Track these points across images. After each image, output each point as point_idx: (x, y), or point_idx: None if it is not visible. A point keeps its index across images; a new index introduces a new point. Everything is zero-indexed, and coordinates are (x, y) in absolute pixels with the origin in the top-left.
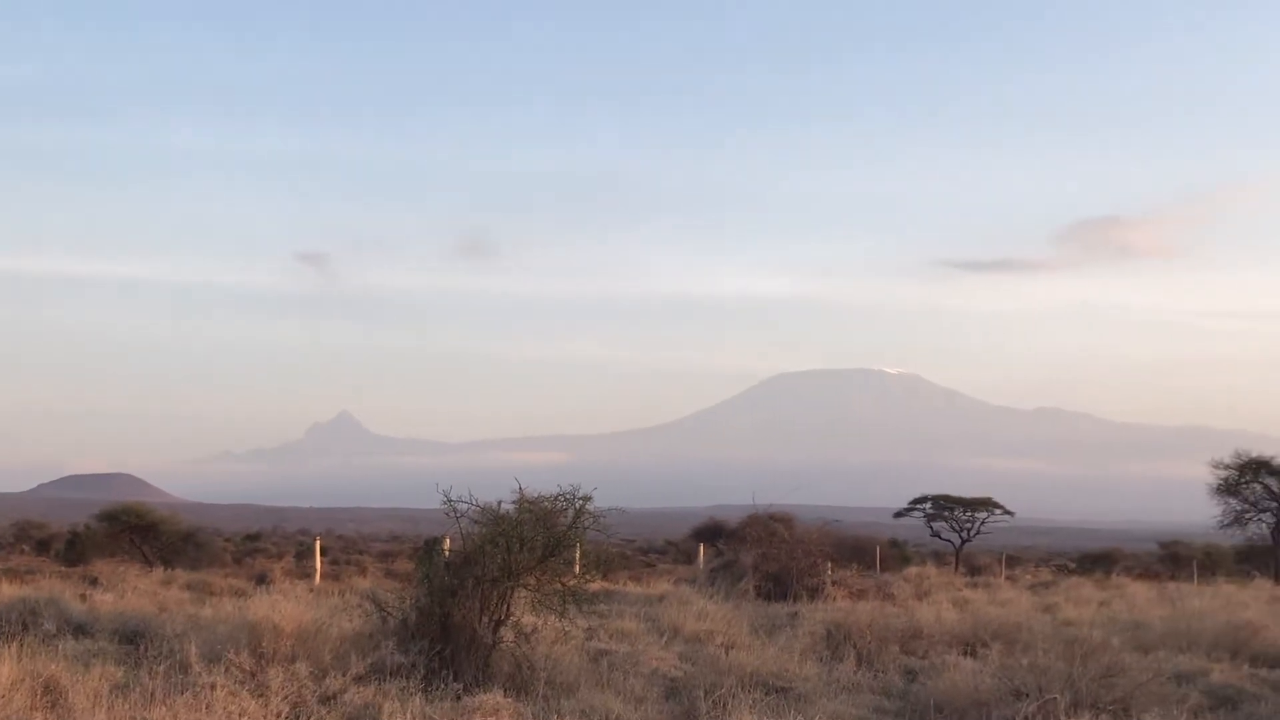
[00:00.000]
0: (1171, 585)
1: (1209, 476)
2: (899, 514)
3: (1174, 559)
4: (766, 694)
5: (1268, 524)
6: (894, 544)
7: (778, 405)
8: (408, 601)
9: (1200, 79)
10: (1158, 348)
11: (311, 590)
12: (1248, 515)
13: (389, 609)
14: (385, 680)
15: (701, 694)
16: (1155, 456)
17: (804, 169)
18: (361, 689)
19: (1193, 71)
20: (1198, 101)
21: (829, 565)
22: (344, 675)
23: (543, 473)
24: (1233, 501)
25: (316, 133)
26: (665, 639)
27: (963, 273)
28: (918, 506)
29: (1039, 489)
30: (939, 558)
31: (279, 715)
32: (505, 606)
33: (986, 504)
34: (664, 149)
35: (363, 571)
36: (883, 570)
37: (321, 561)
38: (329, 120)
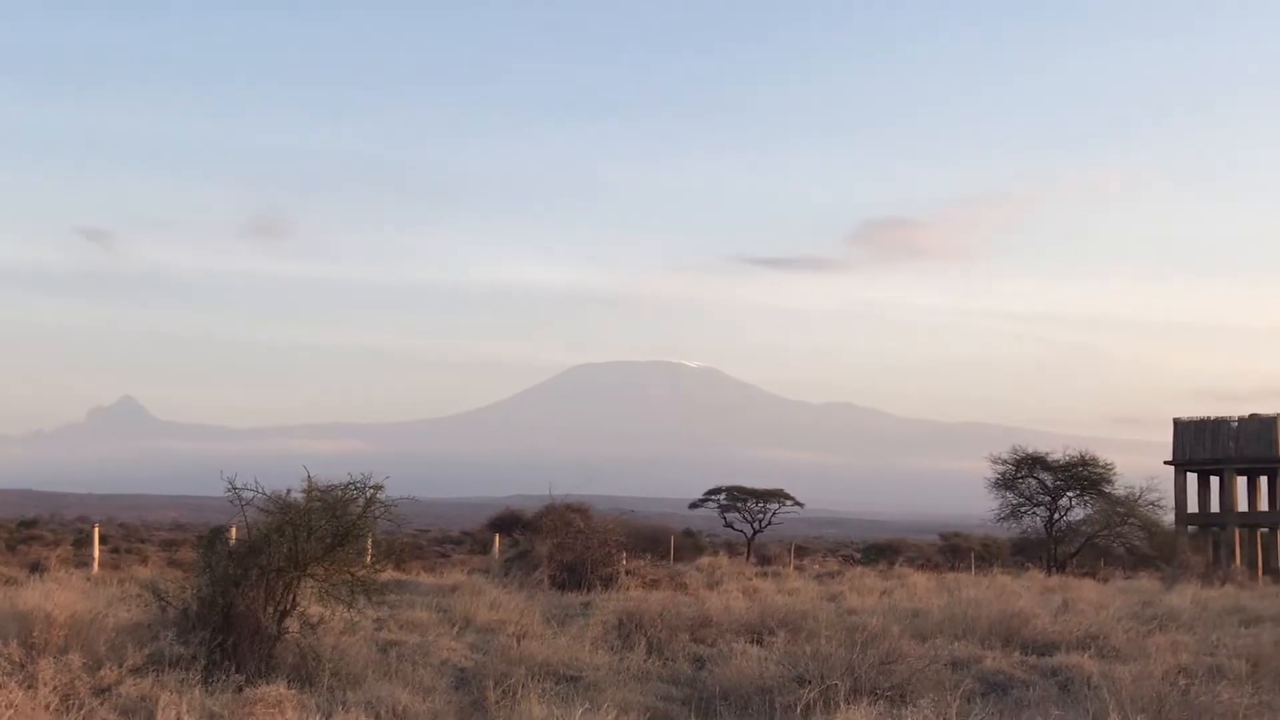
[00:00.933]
0: (950, 575)
1: (988, 471)
2: (694, 504)
3: (954, 550)
4: (556, 683)
5: (1041, 517)
6: (688, 534)
7: (578, 396)
8: (189, 591)
9: (994, 81)
10: (944, 347)
11: (89, 579)
12: (1023, 509)
13: (169, 599)
14: (164, 672)
15: (491, 684)
16: (939, 452)
17: (606, 162)
18: (138, 681)
19: (985, 74)
20: (991, 106)
21: (624, 555)
22: (120, 666)
23: (337, 462)
24: (1009, 495)
25: (99, 104)
26: (457, 629)
27: (761, 269)
28: (712, 497)
29: (829, 482)
30: (731, 548)
31: (49, 707)
32: (291, 597)
33: (778, 495)
34: (467, 136)
35: (144, 561)
36: (677, 560)
37: (100, 550)
38: (112, 91)
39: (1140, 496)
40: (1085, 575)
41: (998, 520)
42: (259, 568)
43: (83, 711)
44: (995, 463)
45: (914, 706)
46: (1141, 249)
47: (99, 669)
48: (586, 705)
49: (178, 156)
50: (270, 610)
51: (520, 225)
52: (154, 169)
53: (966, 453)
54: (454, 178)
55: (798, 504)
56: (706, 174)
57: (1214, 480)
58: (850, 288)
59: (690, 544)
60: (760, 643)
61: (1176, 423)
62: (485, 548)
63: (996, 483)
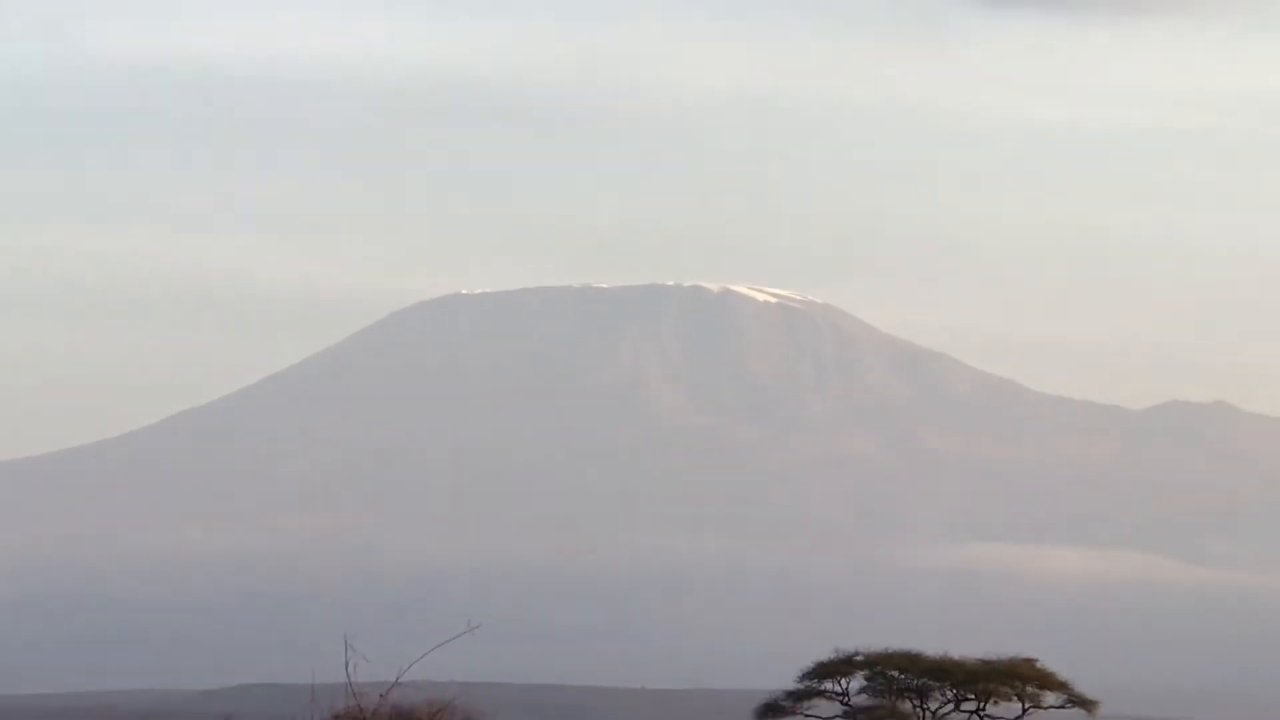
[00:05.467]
0: None
1: None
2: (771, 709)
3: None
4: None
5: None
6: None
7: (411, 377)
8: None
9: None
10: None
11: None
12: None
13: None
14: None
15: None
16: None
17: None
18: None
19: None
20: None
21: None
22: None
23: None
24: None
25: None
26: None
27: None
28: (824, 685)
29: (1152, 618)
30: None
31: None
32: None
33: (1021, 679)
34: None
35: None
36: None
37: None
38: None
39: None
40: None
41: None
42: None
43: None
44: None
45: None
46: None
47: None
48: None
49: None
50: None
51: None
52: None
53: None
54: None
55: (1080, 704)
56: None
57: None
58: (1215, 57)
59: None
60: None
61: None
62: None
63: None
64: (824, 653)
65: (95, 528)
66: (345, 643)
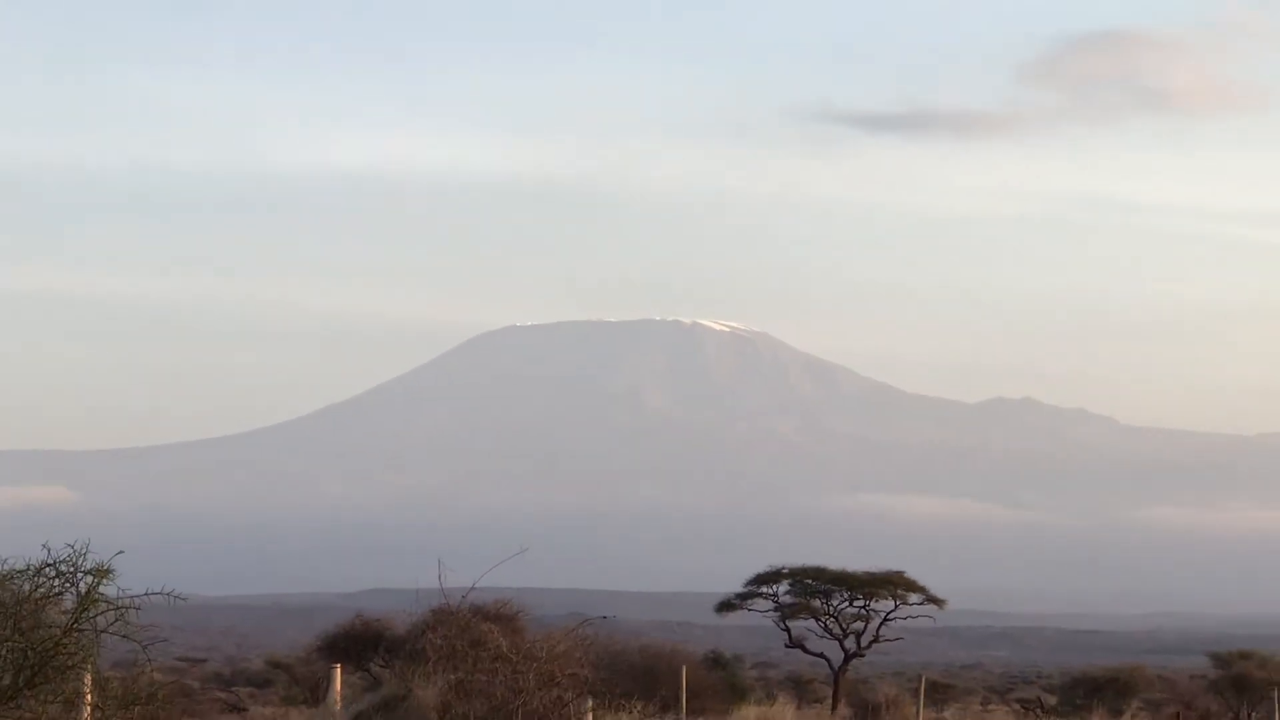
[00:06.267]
0: None
1: None
2: (727, 604)
3: (1238, 685)
4: None
5: None
6: (716, 662)
7: (494, 390)
8: None
9: None
10: (1218, 280)
11: None
12: None
13: None
14: None
15: None
16: (1196, 487)
17: None
18: None
19: None
20: None
21: (588, 704)
22: None
23: (20, 520)
24: None
25: None
26: None
27: (849, 133)
28: (762, 590)
29: (991, 550)
30: (802, 686)
31: None
32: None
33: (893, 583)
34: None
35: None
36: (694, 711)
37: None
38: None
39: None
40: None
41: None
42: None
43: None
44: None
45: None
46: None
47: None
48: None
49: None
50: None
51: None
52: None
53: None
54: None
55: (933, 600)
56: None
57: None
58: (1020, 166)
59: (720, 681)
60: None
61: None
62: (315, 691)
63: None
64: (760, 568)
65: (277, 483)
66: (439, 562)
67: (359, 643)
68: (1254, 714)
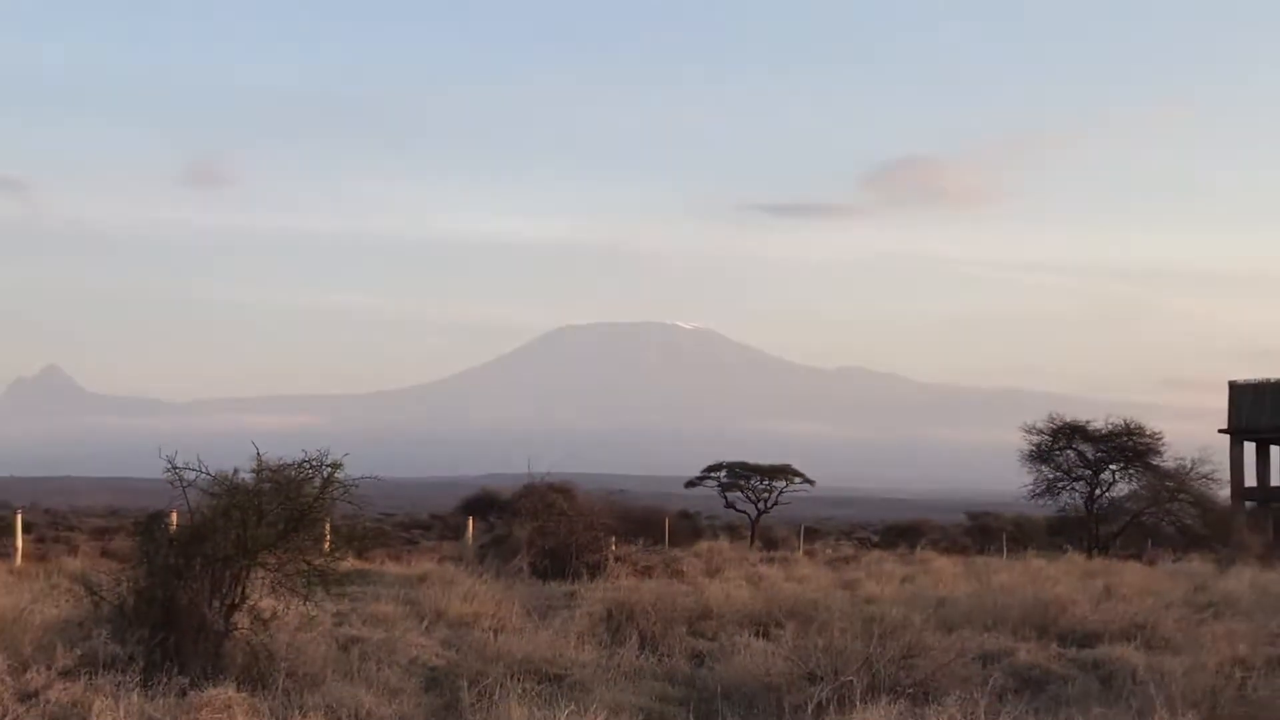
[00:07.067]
0: (979, 559)
1: (1021, 443)
2: (691, 483)
3: (983, 531)
4: (539, 682)
5: (1081, 493)
6: (685, 516)
7: (559, 362)
8: (125, 584)
9: (1019, 16)
10: (969, 303)
11: (11, 572)
12: (1060, 484)
13: (102, 593)
14: (97, 674)
15: (465, 684)
16: (965, 421)
17: (585, 103)
18: (69, 684)
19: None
20: (1019, 40)
21: (612, 540)
22: (48, 669)
23: (289, 438)
24: (1045, 469)
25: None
26: (426, 623)
27: (763, 216)
28: (711, 475)
29: (844, 456)
30: (734, 531)
31: None
32: (240, 589)
33: (785, 472)
34: (436, 70)
35: (74, 550)
36: (672, 545)
37: (24, 539)
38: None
39: (1192, 469)
40: (1130, 558)
41: (1032, 497)
42: (203, 557)
43: (7, 718)
44: (1029, 433)
45: (938, 705)
46: (1196, 191)
47: (25, 672)
48: (572, 707)
49: (102, 94)
50: (216, 604)
51: (495, 171)
52: (75, 109)
53: (997, 422)
54: (421, 118)
55: (808, 481)
56: (701, 112)
57: (1275, 451)
58: (862, 236)
59: (687, 527)
60: (766, 636)
61: (1233, 386)
62: (457, 533)
63: (1030, 455)
64: (710, 462)
65: (465, 419)
66: (528, 460)
67: (483, 504)
68: (992, 547)
